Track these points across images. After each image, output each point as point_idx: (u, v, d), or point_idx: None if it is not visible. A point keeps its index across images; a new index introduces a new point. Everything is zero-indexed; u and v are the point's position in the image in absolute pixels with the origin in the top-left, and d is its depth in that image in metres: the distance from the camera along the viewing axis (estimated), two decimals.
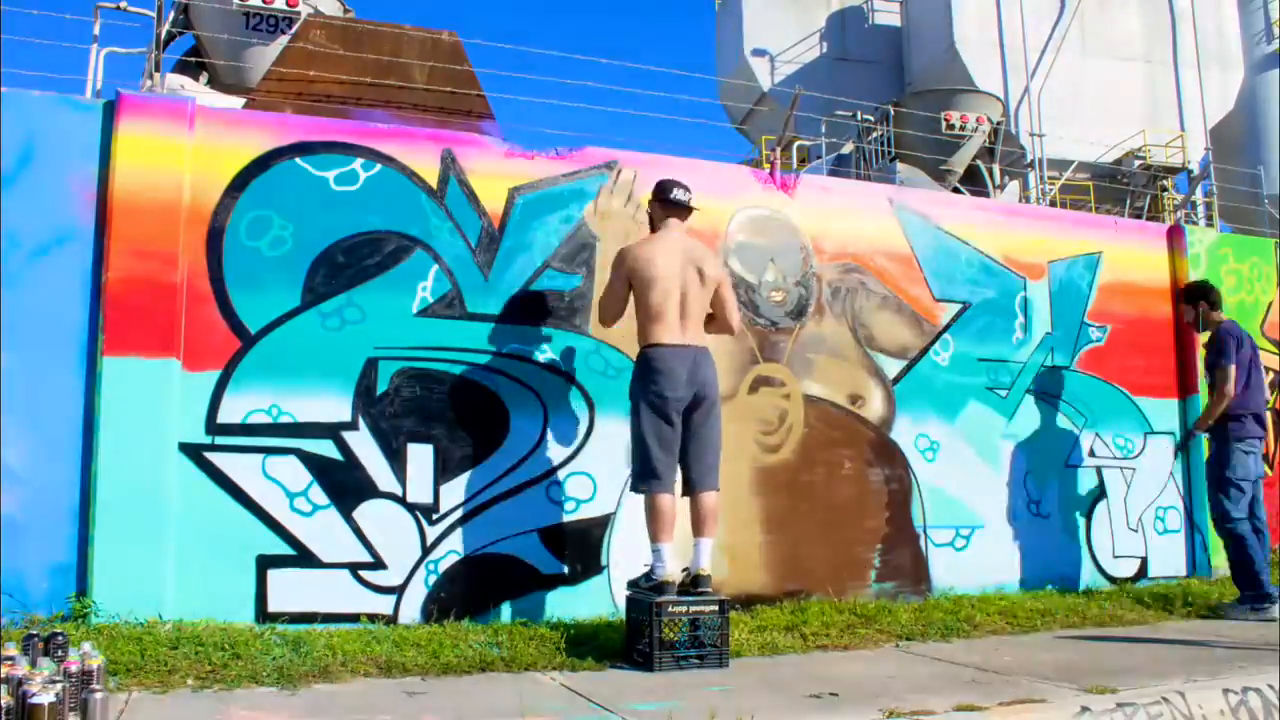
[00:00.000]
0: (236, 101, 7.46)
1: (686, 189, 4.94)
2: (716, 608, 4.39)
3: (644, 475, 4.65)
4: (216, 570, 4.67)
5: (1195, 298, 6.44)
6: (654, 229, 4.97)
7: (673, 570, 4.49)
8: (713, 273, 4.85)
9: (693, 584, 4.50)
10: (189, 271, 4.77)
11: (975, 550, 6.36)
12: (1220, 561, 7.07)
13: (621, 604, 4.99)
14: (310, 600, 4.74)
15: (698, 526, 4.63)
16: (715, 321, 4.98)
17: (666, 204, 4.90)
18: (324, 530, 4.84)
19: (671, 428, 4.64)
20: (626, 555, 5.39)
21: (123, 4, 8.90)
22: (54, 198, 4.66)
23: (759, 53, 19.97)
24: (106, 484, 4.47)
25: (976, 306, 6.62)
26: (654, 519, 4.59)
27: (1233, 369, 6.01)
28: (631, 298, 4.83)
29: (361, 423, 4.99)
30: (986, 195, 15.53)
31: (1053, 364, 6.77)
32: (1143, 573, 6.88)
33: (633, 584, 4.64)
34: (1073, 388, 6.77)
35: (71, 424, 4.54)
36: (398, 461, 5.06)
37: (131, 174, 4.71)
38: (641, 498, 4.71)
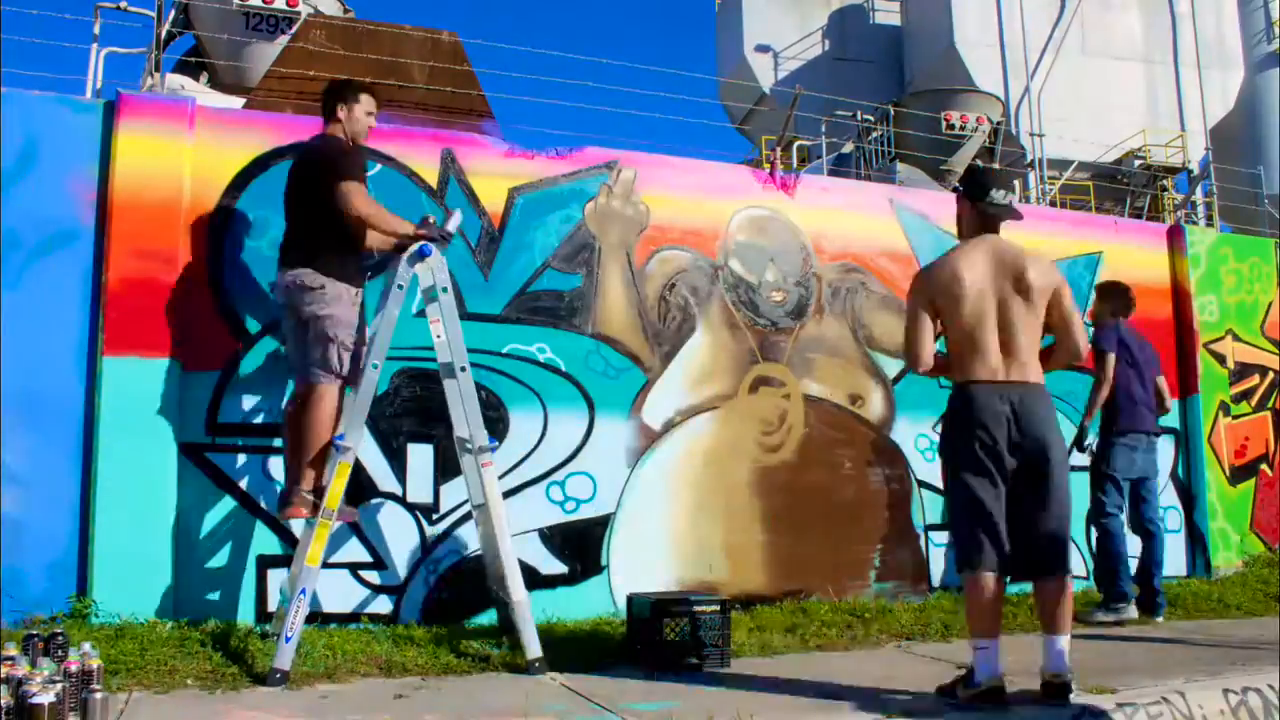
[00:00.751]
0: (236, 101, 7.45)
1: (1010, 187, 3.96)
2: (717, 608, 4.39)
3: (962, 551, 3.62)
4: (216, 570, 4.67)
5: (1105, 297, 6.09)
6: (962, 234, 3.92)
7: (999, 671, 3.51)
8: (1042, 282, 3.68)
9: (1056, 693, 3.53)
10: (189, 271, 4.77)
11: None
12: (1221, 561, 7.08)
13: (621, 604, 5.00)
14: (310, 600, 4.74)
15: (1048, 621, 3.60)
16: (1059, 349, 3.83)
17: (982, 207, 3.81)
18: None
19: (995, 489, 3.59)
20: (626, 555, 5.40)
21: (123, 4, 8.89)
22: (54, 198, 4.66)
23: (762, 48, 19.97)
24: (106, 484, 4.47)
25: None
26: (974, 607, 3.57)
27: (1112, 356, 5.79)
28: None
29: None
30: None
31: None
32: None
33: (948, 694, 3.66)
34: (1072, 387, 6.76)
35: (71, 424, 4.54)
36: (398, 461, 5.07)
37: (131, 174, 4.71)
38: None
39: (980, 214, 3.82)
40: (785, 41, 20.14)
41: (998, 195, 3.82)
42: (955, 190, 4.15)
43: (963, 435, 3.63)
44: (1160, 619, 5.69)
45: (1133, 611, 5.62)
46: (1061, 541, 3.63)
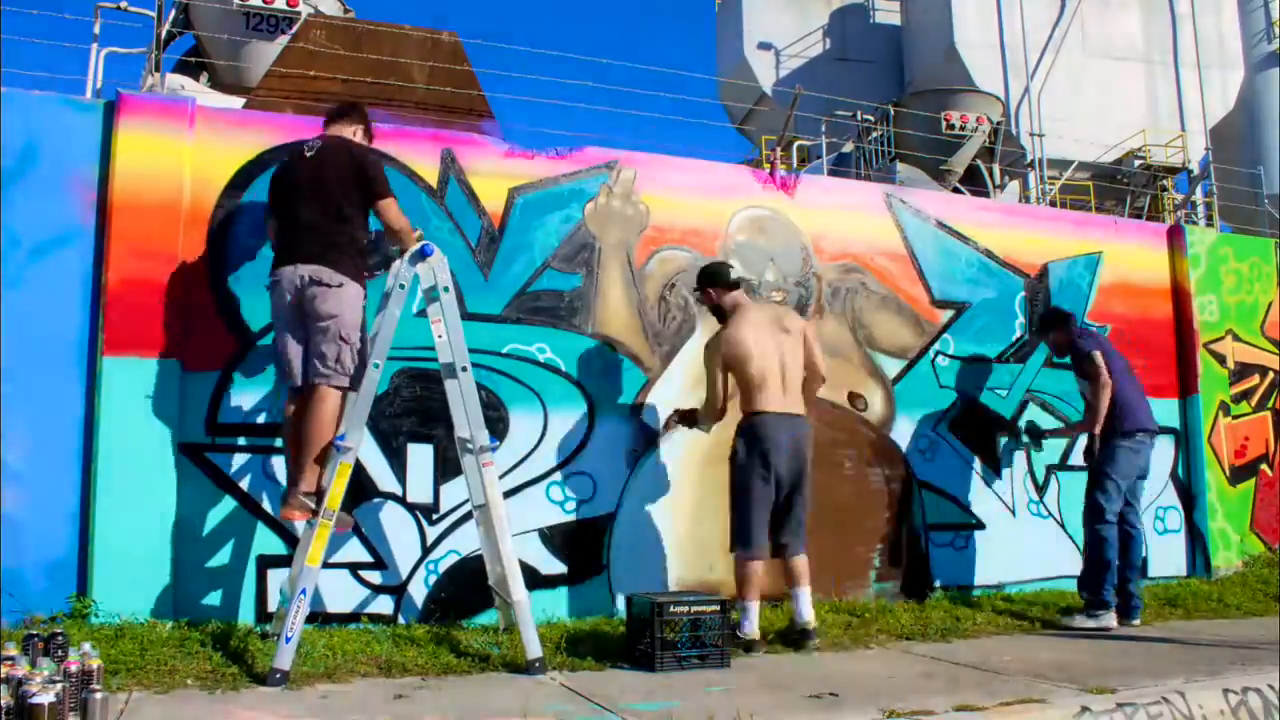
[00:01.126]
0: (236, 101, 7.45)
1: (731, 265, 5.26)
2: (717, 608, 4.39)
3: (746, 540, 4.83)
4: (216, 570, 4.68)
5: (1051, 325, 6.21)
6: (724, 314, 5.09)
7: (758, 629, 4.80)
8: (796, 326, 5.04)
9: (802, 635, 4.81)
10: (189, 271, 4.77)
11: (975, 550, 6.36)
12: (1221, 561, 7.08)
13: (621, 604, 5.00)
14: (310, 600, 4.73)
15: (795, 579, 4.88)
16: (810, 377, 5.07)
17: (725, 286, 5.10)
18: None
19: (772, 494, 4.85)
20: (626, 555, 5.41)
21: (123, 4, 8.88)
22: (54, 198, 4.66)
23: (764, 46, 19.95)
24: (106, 484, 4.47)
25: (976, 306, 6.62)
26: (749, 582, 4.81)
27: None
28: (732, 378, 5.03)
29: None
30: (986, 195, 15.52)
31: (1052, 363, 6.75)
32: (1143, 573, 6.86)
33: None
34: (1072, 387, 6.76)
35: (71, 424, 4.54)
36: (398, 461, 5.07)
37: (131, 174, 4.71)
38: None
39: (732, 291, 5.10)
40: (785, 41, 20.13)
41: (734, 272, 5.24)
42: (704, 289, 5.19)
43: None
44: (1137, 621, 5.63)
45: (1112, 620, 5.55)
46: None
